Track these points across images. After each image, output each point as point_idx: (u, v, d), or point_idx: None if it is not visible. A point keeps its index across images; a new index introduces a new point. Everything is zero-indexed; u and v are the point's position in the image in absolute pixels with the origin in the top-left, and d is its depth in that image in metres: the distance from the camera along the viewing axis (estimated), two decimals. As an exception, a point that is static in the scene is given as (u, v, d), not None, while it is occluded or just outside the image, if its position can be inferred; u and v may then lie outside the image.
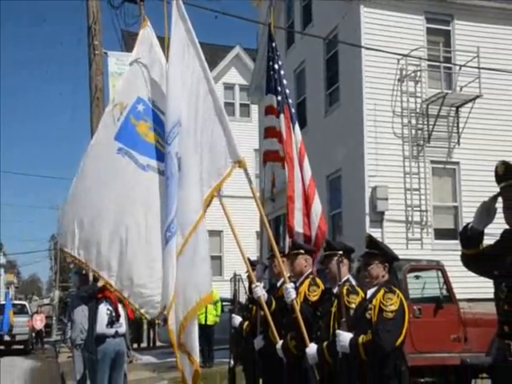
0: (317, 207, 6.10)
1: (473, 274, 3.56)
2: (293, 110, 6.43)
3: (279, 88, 6.33)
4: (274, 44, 6.48)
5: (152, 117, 5.18)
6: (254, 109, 21.32)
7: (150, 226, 4.79)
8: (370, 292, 4.05)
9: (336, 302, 4.33)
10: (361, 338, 3.82)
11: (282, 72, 6.46)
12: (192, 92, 4.99)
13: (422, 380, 8.55)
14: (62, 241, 4.94)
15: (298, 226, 5.97)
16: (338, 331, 4.00)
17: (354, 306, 4.18)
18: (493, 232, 3.45)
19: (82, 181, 5.01)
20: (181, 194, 4.71)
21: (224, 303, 15.16)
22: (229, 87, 24.85)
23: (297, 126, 6.36)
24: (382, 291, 3.93)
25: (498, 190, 3.33)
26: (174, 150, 4.79)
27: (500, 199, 3.30)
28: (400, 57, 12.54)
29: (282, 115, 6.22)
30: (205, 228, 4.72)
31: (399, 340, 3.81)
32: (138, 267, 4.71)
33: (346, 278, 4.42)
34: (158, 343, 20.04)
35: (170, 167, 4.79)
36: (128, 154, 5.00)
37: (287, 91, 6.43)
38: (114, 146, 5.02)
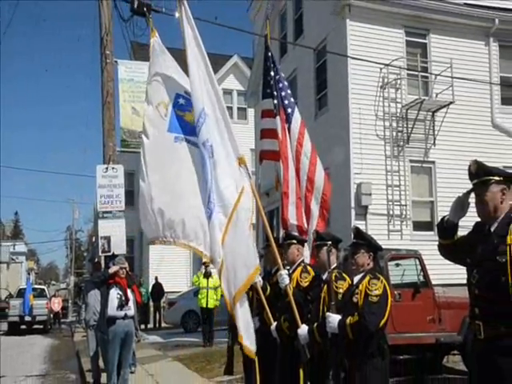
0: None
1: (447, 262, 3.56)
2: (289, 111, 6.41)
3: (275, 93, 6.32)
4: (269, 53, 6.47)
5: (192, 106, 5.22)
6: (251, 112, 21.30)
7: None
8: (356, 278, 4.06)
9: (325, 287, 4.34)
10: (348, 320, 3.83)
11: (278, 76, 6.45)
12: (209, 93, 5.05)
13: (401, 357, 8.57)
14: (149, 235, 5.01)
15: (292, 218, 5.98)
16: (327, 313, 4.01)
17: (341, 290, 4.19)
18: (466, 224, 3.45)
19: (150, 177, 5.04)
20: (218, 178, 4.74)
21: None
22: (227, 92, 24.80)
23: (294, 125, 6.34)
24: (367, 277, 3.93)
25: (470, 186, 3.32)
26: (201, 140, 4.85)
27: (472, 195, 3.30)
28: (382, 66, 12.52)
29: (278, 117, 6.22)
30: (243, 207, 4.77)
31: (383, 321, 3.82)
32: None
33: (334, 266, 4.43)
34: (164, 324, 20.07)
35: (200, 157, 4.86)
36: (185, 140, 5.08)
37: (283, 94, 6.41)
38: (169, 137, 5.10)
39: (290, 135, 6.27)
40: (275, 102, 6.23)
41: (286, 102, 6.39)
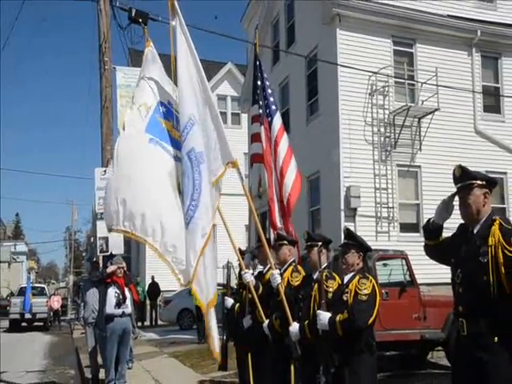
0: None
1: (432, 262, 3.57)
2: (274, 118, 6.34)
3: (261, 102, 6.30)
4: (258, 62, 6.44)
5: (172, 117, 5.15)
6: (244, 117, 21.25)
7: (180, 207, 4.74)
8: (346, 277, 4.06)
9: (316, 286, 4.34)
10: (338, 317, 3.83)
11: (267, 83, 6.41)
12: (199, 99, 4.98)
13: (388, 353, 8.60)
14: (108, 222, 4.82)
15: (279, 222, 5.99)
16: (318, 311, 4.01)
17: (331, 289, 4.18)
18: (450, 226, 3.47)
19: (119, 170, 4.90)
20: (205, 184, 4.68)
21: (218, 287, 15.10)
22: (222, 98, 24.81)
23: (273, 130, 6.28)
24: (357, 277, 3.94)
25: (455, 189, 3.34)
26: (185, 150, 4.76)
27: (457, 198, 3.32)
28: (371, 74, 12.57)
29: (262, 127, 6.19)
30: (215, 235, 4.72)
31: (371, 319, 3.82)
32: (179, 239, 4.63)
33: (324, 266, 4.43)
34: (160, 322, 20.00)
35: (183, 169, 4.76)
36: (159, 144, 4.96)
37: (271, 99, 6.38)
38: (145, 136, 4.96)
39: (270, 142, 6.23)
40: (260, 111, 6.22)
41: (268, 110, 6.35)
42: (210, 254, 4.62)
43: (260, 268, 5.60)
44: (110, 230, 4.88)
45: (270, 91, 6.40)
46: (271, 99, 6.39)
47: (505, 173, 13.73)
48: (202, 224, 4.56)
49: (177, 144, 4.99)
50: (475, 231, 3.22)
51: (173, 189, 4.81)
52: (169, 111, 5.17)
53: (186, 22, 5.15)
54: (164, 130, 5.06)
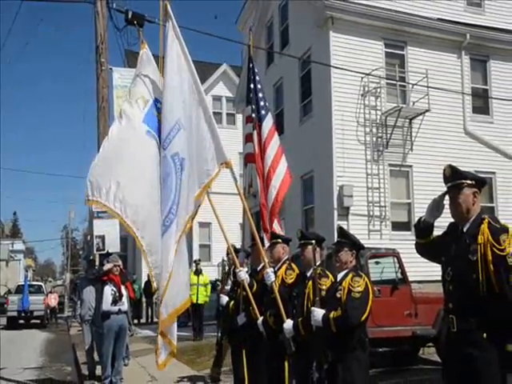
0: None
1: (423, 260, 3.58)
2: (264, 122, 6.25)
3: (253, 106, 6.24)
4: (251, 65, 6.39)
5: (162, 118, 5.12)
6: (239, 117, 21.25)
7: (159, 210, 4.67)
8: (340, 275, 4.05)
9: (310, 283, 4.34)
10: (332, 314, 3.82)
11: (259, 86, 6.35)
12: (186, 102, 4.93)
13: (380, 349, 8.61)
14: (93, 191, 4.49)
15: (269, 225, 5.97)
16: (312, 308, 4.00)
17: (324, 287, 4.18)
18: (441, 225, 3.47)
19: (114, 147, 4.72)
20: (186, 193, 4.63)
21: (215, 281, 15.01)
22: (217, 99, 24.76)
23: (264, 131, 6.21)
24: (350, 275, 3.93)
25: (445, 189, 3.35)
26: (169, 153, 4.72)
27: (447, 197, 3.33)
28: (363, 75, 12.58)
29: (254, 131, 6.13)
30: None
31: (364, 316, 3.82)
32: (157, 243, 4.57)
33: (318, 263, 4.43)
34: (156, 319, 19.93)
35: (165, 167, 4.73)
36: (154, 138, 4.87)
37: (261, 104, 6.30)
38: (142, 127, 4.87)
39: (261, 147, 6.16)
40: (253, 115, 6.18)
41: (258, 112, 6.28)
42: (178, 264, 4.58)
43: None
44: (88, 199, 4.56)
45: (261, 95, 6.33)
46: (261, 103, 6.30)
47: (493, 172, 13.80)
48: (176, 229, 4.55)
49: None
50: (465, 230, 3.23)
51: (158, 190, 4.75)
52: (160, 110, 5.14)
53: (180, 23, 5.13)
54: (159, 124, 5.01)
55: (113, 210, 4.52)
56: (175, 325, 4.69)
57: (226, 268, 7.04)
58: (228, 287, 6.45)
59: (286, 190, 6.13)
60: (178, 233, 4.55)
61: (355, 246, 4.14)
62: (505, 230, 3.10)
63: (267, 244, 5.54)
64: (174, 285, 4.50)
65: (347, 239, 4.13)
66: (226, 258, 7.36)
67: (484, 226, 3.13)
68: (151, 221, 4.60)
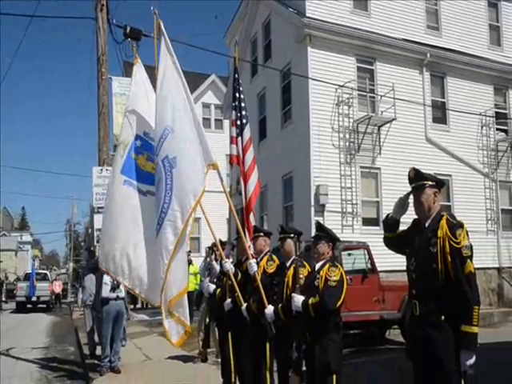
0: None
1: (390, 252, 3.59)
2: (245, 131, 6.13)
3: (238, 114, 6.13)
4: (236, 75, 6.32)
5: (148, 148, 5.05)
6: (226, 123, 21.19)
7: (149, 240, 4.72)
8: (317, 265, 4.01)
9: (289, 273, 4.33)
10: (310, 300, 3.80)
11: (242, 96, 6.25)
12: (178, 108, 4.88)
13: (352, 332, 8.66)
14: (103, 262, 5.01)
15: (246, 219, 5.89)
16: (293, 294, 3.96)
17: (301, 276, 4.16)
18: (406, 220, 3.49)
19: (105, 213, 5.12)
20: (180, 186, 4.56)
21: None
22: (206, 106, 24.63)
23: (244, 138, 6.11)
24: (327, 265, 3.91)
25: (409, 189, 3.36)
26: (160, 158, 4.65)
27: (411, 196, 3.35)
28: (337, 87, 12.63)
29: (239, 138, 6.02)
30: (187, 232, 4.61)
31: (339, 302, 3.80)
32: (144, 272, 4.73)
33: (297, 255, 4.43)
34: (149, 306, 19.76)
35: (158, 174, 4.69)
36: (132, 185, 4.88)
37: (244, 113, 6.19)
38: (120, 178, 4.94)
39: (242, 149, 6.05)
40: (238, 122, 6.10)
41: (241, 120, 6.19)
42: (182, 250, 4.56)
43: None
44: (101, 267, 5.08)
45: (243, 104, 6.24)
46: (243, 112, 6.21)
47: (450, 175, 14.01)
48: (175, 224, 4.48)
49: (147, 179, 4.93)
50: (427, 225, 3.25)
51: (137, 225, 4.80)
52: (144, 144, 5.09)
53: (172, 38, 5.07)
54: (137, 167, 5.01)
55: (104, 270, 4.96)
56: (186, 306, 4.66)
57: (207, 259, 7.05)
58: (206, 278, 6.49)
59: (256, 198, 6.07)
60: (179, 227, 4.49)
61: (332, 239, 4.12)
62: (460, 225, 3.13)
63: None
64: (176, 271, 4.49)
65: (324, 233, 4.11)
66: (207, 249, 7.35)
67: (443, 222, 3.15)
68: (133, 259, 4.79)
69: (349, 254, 9.24)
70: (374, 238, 9.19)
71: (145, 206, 4.82)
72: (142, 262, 4.72)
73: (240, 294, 4.89)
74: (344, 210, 12.59)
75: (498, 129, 15.21)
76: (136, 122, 5.11)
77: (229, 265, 5.09)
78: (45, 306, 23.42)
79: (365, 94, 13.23)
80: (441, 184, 3.34)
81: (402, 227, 3.46)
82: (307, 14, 12.81)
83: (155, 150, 4.74)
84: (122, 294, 7.60)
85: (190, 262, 13.42)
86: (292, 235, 4.52)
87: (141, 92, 5.26)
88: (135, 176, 4.93)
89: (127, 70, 16.83)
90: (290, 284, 4.25)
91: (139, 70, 5.37)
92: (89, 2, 10.90)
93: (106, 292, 7.42)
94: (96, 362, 8.08)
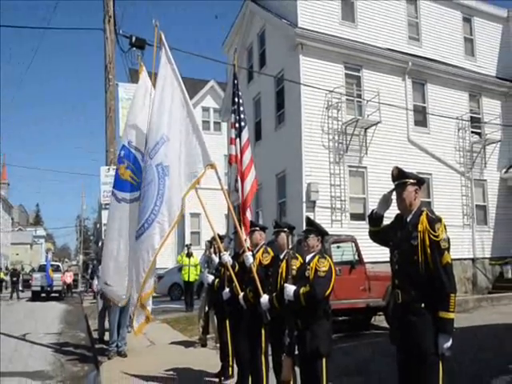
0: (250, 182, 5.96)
1: (375, 244, 3.59)
2: (244, 132, 6.11)
3: (237, 117, 6.10)
4: (235, 81, 6.30)
5: (129, 157, 5.05)
6: (224, 125, 21.17)
7: (122, 247, 4.80)
8: (308, 257, 4.00)
9: (283, 264, 4.33)
10: (301, 290, 3.78)
11: (240, 101, 6.23)
12: (176, 114, 4.86)
13: (340, 318, 8.67)
14: (113, 295, 5.34)
15: (242, 216, 5.87)
16: (285, 284, 3.96)
17: (294, 267, 4.15)
18: (390, 215, 3.50)
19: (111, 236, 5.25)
20: (169, 195, 4.59)
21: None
22: (205, 110, 24.59)
23: (243, 139, 6.08)
24: (317, 257, 3.89)
25: (393, 186, 3.37)
26: (155, 162, 4.66)
27: (394, 193, 3.36)
28: (327, 92, 12.64)
29: (237, 139, 5.99)
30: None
31: (328, 291, 3.79)
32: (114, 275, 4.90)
33: (290, 247, 4.43)
34: (154, 294, 19.72)
35: (149, 175, 4.68)
36: (113, 194, 4.94)
37: (242, 116, 6.17)
38: (112, 195, 5.09)
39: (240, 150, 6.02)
40: (237, 124, 6.08)
41: (240, 123, 6.16)
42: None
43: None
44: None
45: (242, 108, 6.22)
46: (242, 116, 6.20)
47: (430, 174, 14.07)
48: (162, 227, 4.53)
49: (124, 187, 4.96)
50: (408, 220, 3.26)
51: (117, 232, 4.89)
52: (126, 153, 5.09)
53: (172, 47, 5.06)
54: (117, 175, 5.08)
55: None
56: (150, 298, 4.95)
57: (207, 252, 7.05)
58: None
59: (252, 195, 6.05)
60: (166, 229, 4.54)
61: (321, 233, 4.11)
62: (439, 220, 3.14)
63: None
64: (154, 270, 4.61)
65: (314, 227, 4.10)
66: (207, 243, 7.36)
67: (423, 217, 3.16)
68: (118, 265, 5.00)
69: (338, 247, 9.23)
70: (361, 231, 9.18)
71: (117, 213, 4.87)
72: (122, 268, 4.85)
73: (237, 284, 4.89)
74: (333, 206, 12.61)
75: (472, 132, 15.33)
76: (127, 132, 5.12)
77: (227, 257, 5.09)
78: (57, 295, 23.45)
79: (352, 98, 13.24)
80: (421, 182, 3.35)
81: (386, 222, 3.47)
82: (299, 25, 12.81)
83: (149, 153, 4.71)
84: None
85: (190, 255, 13.45)
86: (285, 229, 4.51)
87: (139, 102, 5.22)
88: (115, 184, 5.01)
89: (133, 77, 16.79)
90: (284, 275, 4.25)
91: (144, 78, 5.33)
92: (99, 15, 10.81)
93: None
94: (104, 346, 8.08)
